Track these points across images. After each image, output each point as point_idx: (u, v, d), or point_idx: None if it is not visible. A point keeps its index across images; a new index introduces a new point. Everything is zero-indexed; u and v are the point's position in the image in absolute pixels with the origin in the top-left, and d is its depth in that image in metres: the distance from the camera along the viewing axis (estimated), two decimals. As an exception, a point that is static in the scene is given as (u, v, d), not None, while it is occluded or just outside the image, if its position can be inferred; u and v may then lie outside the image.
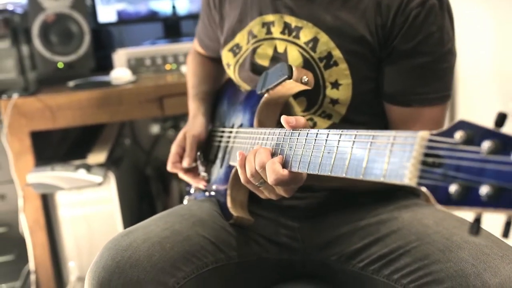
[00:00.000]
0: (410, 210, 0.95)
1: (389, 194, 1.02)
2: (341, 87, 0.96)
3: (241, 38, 1.07)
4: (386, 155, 0.58)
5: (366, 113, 1.00)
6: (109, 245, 0.90)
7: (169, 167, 1.15)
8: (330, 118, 1.00)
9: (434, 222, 0.88)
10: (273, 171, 0.77)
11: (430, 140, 0.51)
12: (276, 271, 1.03)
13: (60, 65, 1.83)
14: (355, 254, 0.94)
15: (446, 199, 0.47)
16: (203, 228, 0.96)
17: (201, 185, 1.15)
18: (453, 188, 0.46)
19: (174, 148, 1.15)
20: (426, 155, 0.52)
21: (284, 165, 0.79)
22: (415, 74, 0.94)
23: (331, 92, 0.97)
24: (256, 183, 0.84)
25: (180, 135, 1.16)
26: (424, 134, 0.53)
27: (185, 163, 1.11)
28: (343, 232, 0.98)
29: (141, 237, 0.91)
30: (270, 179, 0.78)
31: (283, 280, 1.04)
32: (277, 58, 1.02)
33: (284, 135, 0.84)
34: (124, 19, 2.02)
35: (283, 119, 0.83)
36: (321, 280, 1.02)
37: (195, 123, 1.17)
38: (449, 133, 0.49)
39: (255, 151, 0.83)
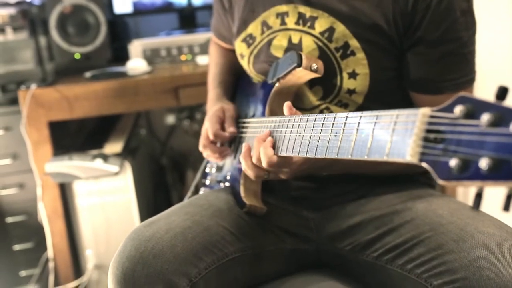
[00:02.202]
0: (425, 201, 0.94)
1: (403, 184, 1.02)
2: (359, 77, 0.96)
3: (254, 28, 1.06)
4: (389, 134, 0.58)
5: (383, 103, 0.99)
6: (132, 235, 0.91)
7: (211, 137, 1.08)
8: (347, 107, 1.00)
9: (448, 213, 0.88)
10: (265, 154, 0.86)
11: (432, 116, 0.51)
12: (292, 260, 1.04)
13: (77, 56, 1.86)
14: (369, 244, 0.94)
15: (447, 174, 0.47)
16: (222, 218, 0.97)
17: (220, 162, 1.16)
18: (453, 162, 0.46)
19: (212, 118, 1.10)
20: (428, 131, 0.51)
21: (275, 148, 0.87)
22: (444, 62, 0.93)
23: (348, 82, 0.96)
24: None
25: (215, 108, 1.12)
26: (425, 110, 0.52)
27: (232, 129, 1.08)
28: (357, 222, 0.98)
29: (164, 227, 0.91)
30: (263, 162, 0.85)
31: (298, 270, 1.04)
32: (292, 49, 1.01)
33: (288, 121, 0.86)
34: (140, 10, 2.04)
35: (287, 104, 0.86)
36: (336, 270, 1.03)
37: (225, 102, 1.14)
38: (449, 108, 0.48)
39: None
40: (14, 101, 1.78)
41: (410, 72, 0.96)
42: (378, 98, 0.98)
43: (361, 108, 0.99)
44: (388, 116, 0.59)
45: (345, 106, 0.99)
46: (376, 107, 0.97)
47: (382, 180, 1.02)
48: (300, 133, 0.82)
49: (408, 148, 0.53)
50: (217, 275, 0.91)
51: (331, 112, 1.00)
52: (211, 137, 1.07)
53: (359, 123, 0.66)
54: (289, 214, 1.05)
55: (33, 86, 1.70)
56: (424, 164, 0.50)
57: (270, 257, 1.01)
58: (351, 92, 0.97)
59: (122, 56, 1.94)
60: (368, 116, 0.64)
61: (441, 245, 0.82)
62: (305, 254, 1.04)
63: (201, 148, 1.12)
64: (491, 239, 0.79)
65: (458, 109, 0.46)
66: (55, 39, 1.83)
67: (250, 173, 0.92)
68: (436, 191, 1.05)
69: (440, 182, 0.48)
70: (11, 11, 1.76)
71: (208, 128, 1.09)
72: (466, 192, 1.80)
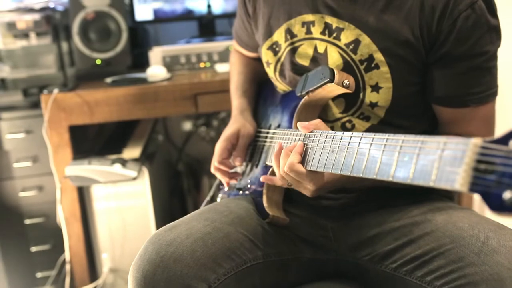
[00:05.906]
0: (445, 213, 0.94)
1: (423, 196, 1.02)
2: (381, 91, 0.96)
3: (278, 36, 1.07)
4: (436, 161, 0.59)
5: (405, 116, 1.00)
6: (153, 239, 0.92)
7: (216, 164, 1.12)
8: (369, 120, 1.00)
9: (469, 226, 0.88)
10: (290, 163, 0.87)
11: (483, 147, 0.53)
12: (310, 270, 1.04)
13: (98, 61, 1.87)
14: (388, 255, 0.94)
15: (499, 205, 0.49)
16: (241, 225, 0.98)
17: (233, 182, 1.16)
18: (507, 195, 0.48)
19: (222, 144, 1.13)
20: (478, 161, 0.53)
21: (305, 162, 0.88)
22: (470, 76, 0.94)
23: (370, 95, 0.97)
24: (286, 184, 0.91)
25: (230, 131, 1.14)
26: (476, 141, 0.54)
27: (238, 162, 1.11)
28: (376, 233, 0.98)
29: (184, 232, 0.92)
30: (286, 166, 0.87)
31: (317, 279, 1.05)
32: (317, 58, 1.02)
33: (319, 137, 0.87)
34: (160, 18, 2.06)
35: (299, 125, 0.90)
36: (354, 280, 1.03)
37: (246, 122, 1.16)
38: (503, 140, 0.50)
39: (286, 153, 0.89)
40: (36, 105, 1.80)
41: (435, 86, 0.96)
42: (400, 112, 0.99)
43: (383, 121, 1.00)
44: (435, 142, 0.60)
45: (366, 119, 1.00)
46: (397, 121, 1.00)
47: (401, 191, 1.03)
48: (333, 150, 0.82)
49: (458, 177, 0.54)
50: (236, 282, 0.92)
51: (353, 124, 1.01)
52: (216, 164, 1.11)
53: (401, 146, 0.66)
54: (308, 224, 1.06)
55: (55, 91, 1.71)
56: (475, 194, 0.52)
57: (288, 266, 1.02)
58: (373, 105, 0.98)
59: (142, 63, 1.96)
60: (411, 140, 0.65)
61: (461, 258, 0.82)
62: (324, 264, 1.05)
63: (212, 170, 1.15)
64: None
65: (514, 143, 0.48)
66: (77, 45, 1.85)
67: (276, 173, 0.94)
68: (454, 203, 1.05)
69: (492, 212, 0.50)
70: (35, 16, 1.78)
71: (215, 154, 1.12)
72: (482, 205, 1.81)
